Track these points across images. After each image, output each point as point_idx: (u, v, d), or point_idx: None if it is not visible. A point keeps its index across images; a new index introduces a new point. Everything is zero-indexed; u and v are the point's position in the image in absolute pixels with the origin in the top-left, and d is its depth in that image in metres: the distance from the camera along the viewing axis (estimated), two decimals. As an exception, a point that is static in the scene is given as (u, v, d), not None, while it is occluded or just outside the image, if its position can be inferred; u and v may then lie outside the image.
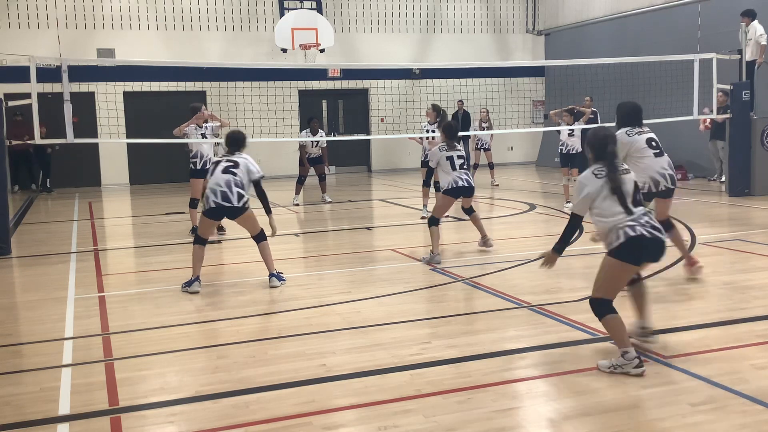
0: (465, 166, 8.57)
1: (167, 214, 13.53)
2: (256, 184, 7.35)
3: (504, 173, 20.15)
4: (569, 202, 12.30)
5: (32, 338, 5.88)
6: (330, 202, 14.42)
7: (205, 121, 10.70)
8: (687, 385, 4.38)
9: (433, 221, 8.38)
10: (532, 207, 12.78)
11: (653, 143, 6.83)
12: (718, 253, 8.37)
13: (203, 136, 10.66)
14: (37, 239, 11.05)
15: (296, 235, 10.85)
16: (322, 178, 14.60)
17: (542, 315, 5.97)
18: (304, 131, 14.13)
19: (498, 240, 9.57)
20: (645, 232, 4.58)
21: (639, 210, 4.70)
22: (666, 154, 6.92)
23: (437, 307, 6.52)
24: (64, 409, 4.32)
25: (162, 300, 6.93)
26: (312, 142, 14.00)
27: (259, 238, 7.43)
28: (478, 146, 17.54)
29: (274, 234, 7.44)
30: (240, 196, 7.19)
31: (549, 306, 6.20)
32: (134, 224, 13.18)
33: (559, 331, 5.53)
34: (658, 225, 4.72)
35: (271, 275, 7.38)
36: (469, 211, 9.09)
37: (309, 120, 14.44)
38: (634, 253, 4.61)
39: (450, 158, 8.46)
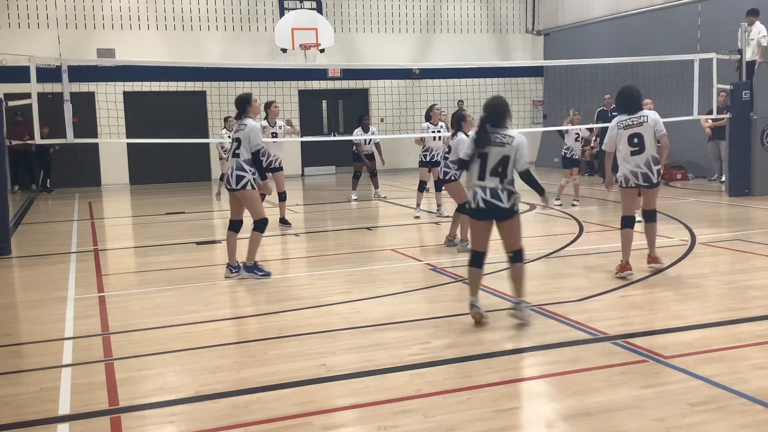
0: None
1: (167, 214, 13.54)
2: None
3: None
4: (558, 199, 12.83)
5: (32, 338, 5.88)
6: (384, 198, 14.76)
7: (289, 123, 11.52)
8: (687, 385, 4.38)
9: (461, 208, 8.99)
10: (532, 207, 12.76)
11: (635, 140, 7.05)
12: (718, 253, 8.37)
13: (274, 134, 11.24)
14: (37, 239, 11.05)
15: (296, 235, 10.85)
16: (373, 174, 15.01)
17: (542, 315, 5.97)
18: (356, 129, 14.67)
19: (497, 240, 9.55)
20: (482, 204, 5.59)
21: (491, 181, 5.57)
22: (647, 152, 7.06)
23: (437, 307, 6.51)
24: (64, 409, 4.32)
25: (162, 300, 6.93)
26: (365, 140, 14.63)
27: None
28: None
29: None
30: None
31: (549, 306, 6.20)
32: (134, 224, 13.17)
33: (559, 331, 5.52)
34: (500, 194, 5.55)
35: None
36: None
37: (360, 118, 14.96)
38: (473, 215, 5.72)
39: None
